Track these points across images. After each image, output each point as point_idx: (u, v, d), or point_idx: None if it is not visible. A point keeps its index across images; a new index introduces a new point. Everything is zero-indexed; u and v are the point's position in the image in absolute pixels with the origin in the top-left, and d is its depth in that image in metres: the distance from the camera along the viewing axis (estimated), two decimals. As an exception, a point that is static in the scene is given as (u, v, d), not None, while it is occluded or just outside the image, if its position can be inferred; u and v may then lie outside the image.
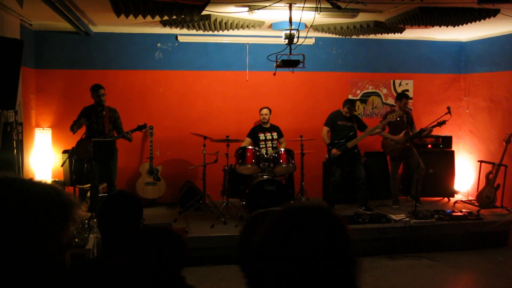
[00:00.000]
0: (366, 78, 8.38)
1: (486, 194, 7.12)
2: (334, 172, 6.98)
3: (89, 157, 6.22)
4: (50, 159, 7.27)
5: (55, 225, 1.01)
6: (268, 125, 7.29)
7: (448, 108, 7.07)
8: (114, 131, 6.64)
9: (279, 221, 1.02)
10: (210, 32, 6.76)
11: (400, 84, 8.51)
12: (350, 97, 8.15)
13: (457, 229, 6.47)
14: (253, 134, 7.26)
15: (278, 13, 5.96)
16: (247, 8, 5.67)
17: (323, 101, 8.09)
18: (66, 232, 1.04)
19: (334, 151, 6.86)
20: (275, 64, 6.06)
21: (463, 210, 6.91)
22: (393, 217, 6.59)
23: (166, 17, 5.66)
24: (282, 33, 5.95)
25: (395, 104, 7.52)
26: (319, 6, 5.15)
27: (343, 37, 7.38)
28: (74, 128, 6.47)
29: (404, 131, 7.13)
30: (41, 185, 1.06)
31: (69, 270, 2.13)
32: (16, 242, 0.96)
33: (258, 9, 5.56)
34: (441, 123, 6.95)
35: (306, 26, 6.29)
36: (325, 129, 7.05)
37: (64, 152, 7.14)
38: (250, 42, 7.87)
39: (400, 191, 8.39)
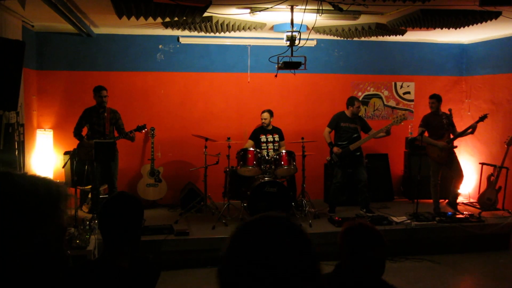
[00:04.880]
0: (367, 80, 8.38)
1: (487, 197, 7.10)
2: (336, 174, 6.95)
3: (90, 158, 6.23)
4: (51, 160, 7.27)
5: (42, 216, 1.04)
6: (270, 127, 7.27)
7: (450, 110, 7.05)
8: (115, 132, 6.65)
9: (241, 231, 1.06)
10: (212, 34, 6.77)
11: (401, 86, 8.51)
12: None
13: (459, 231, 6.46)
14: (255, 136, 7.25)
15: (279, 15, 5.97)
16: (248, 10, 5.68)
17: (325, 103, 8.09)
18: (57, 221, 1.07)
19: (336, 149, 6.83)
20: (276, 66, 6.07)
21: (464, 212, 6.90)
22: (394, 219, 6.58)
23: (167, 19, 5.67)
24: (284, 35, 5.95)
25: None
26: (320, 8, 5.15)
27: (345, 39, 7.38)
28: (78, 135, 6.49)
29: (445, 136, 6.91)
30: (29, 178, 1.08)
31: (70, 271, 2.13)
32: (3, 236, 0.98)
33: (259, 11, 5.57)
34: (483, 118, 6.82)
35: (307, 28, 6.30)
36: (327, 129, 7.01)
37: (66, 153, 7.15)
38: (251, 44, 7.88)
39: (401, 192, 8.37)
